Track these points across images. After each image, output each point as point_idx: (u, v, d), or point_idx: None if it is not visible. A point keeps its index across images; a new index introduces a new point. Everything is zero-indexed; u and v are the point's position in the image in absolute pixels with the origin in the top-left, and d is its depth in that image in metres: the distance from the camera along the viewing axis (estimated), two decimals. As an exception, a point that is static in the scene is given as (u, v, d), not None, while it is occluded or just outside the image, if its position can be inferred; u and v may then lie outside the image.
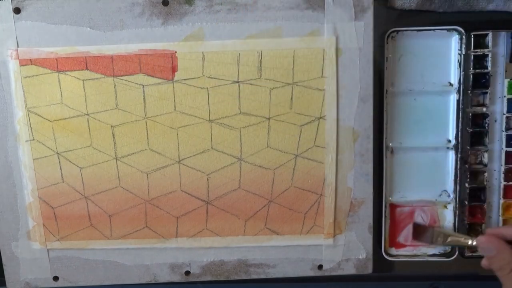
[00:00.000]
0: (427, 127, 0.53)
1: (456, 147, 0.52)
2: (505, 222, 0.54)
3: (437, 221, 0.55)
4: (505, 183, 0.53)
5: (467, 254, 0.54)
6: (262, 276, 0.55)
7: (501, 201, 0.53)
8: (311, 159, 0.52)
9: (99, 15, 0.48)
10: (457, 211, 0.53)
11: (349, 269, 0.55)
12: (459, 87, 0.51)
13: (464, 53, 0.51)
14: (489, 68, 0.51)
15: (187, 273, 0.55)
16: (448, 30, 0.51)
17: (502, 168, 0.53)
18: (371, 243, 0.54)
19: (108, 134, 0.51)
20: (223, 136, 0.51)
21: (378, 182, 0.53)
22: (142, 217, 0.53)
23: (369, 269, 0.55)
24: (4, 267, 0.55)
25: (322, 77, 0.50)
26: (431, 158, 0.53)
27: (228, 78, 0.50)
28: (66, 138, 0.51)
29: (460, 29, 0.50)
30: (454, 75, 0.52)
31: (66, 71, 0.49)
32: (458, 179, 0.53)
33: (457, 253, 0.54)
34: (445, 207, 0.54)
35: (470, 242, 0.48)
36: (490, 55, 0.50)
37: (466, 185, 0.53)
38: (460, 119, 0.52)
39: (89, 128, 0.51)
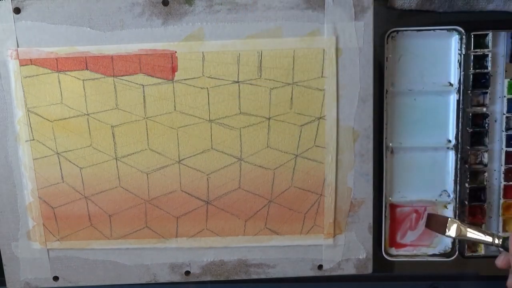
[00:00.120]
0: (427, 127, 0.53)
1: (456, 147, 0.52)
2: (505, 222, 0.54)
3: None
4: (505, 183, 0.53)
5: (467, 254, 0.54)
6: (262, 276, 0.55)
7: (501, 201, 0.53)
8: (311, 159, 0.52)
9: (99, 15, 0.48)
10: (457, 211, 0.53)
11: (349, 269, 0.55)
12: (459, 87, 0.51)
13: (464, 53, 0.51)
14: (489, 68, 0.51)
15: (187, 273, 0.55)
16: (448, 30, 0.51)
17: (502, 168, 0.53)
18: (371, 243, 0.54)
19: (108, 134, 0.51)
20: (223, 136, 0.51)
21: (378, 182, 0.53)
22: (142, 217, 0.53)
23: (369, 269, 0.55)
24: (4, 267, 0.55)
25: (322, 77, 0.50)
26: (431, 158, 0.53)
27: (228, 78, 0.50)
28: (66, 138, 0.51)
29: (460, 29, 0.50)
30: (454, 75, 0.52)
31: (66, 71, 0.49)
32: (458, 179, 0.53)
33: (457, 253, 0.54)
34: (445, 207, 0.54)
35: (495, 240, 0.45)
36: (490, 55, 0.50)
37: (466, 185, 0.53)
38: (460, 119, 0.52)
39: (89, 128, 0.51)
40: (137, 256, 0.54)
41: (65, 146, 0.51)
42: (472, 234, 0.47)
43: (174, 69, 0.49)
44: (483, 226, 0.53)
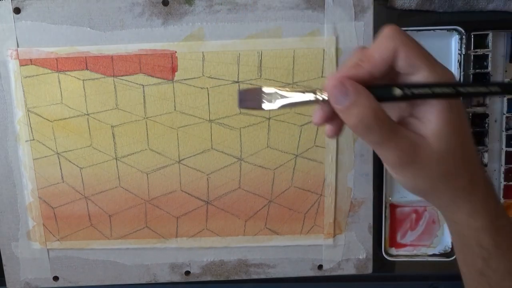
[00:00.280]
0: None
1: (456, 147, 0.52)
2: (505, 222, 0.54)
3: (437, 222, 0.55)
4: (505, 183, 0.53)
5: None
6: (262, 276, 0.55)
7: (501, 201, 0.53)
8: (311, 159, 0.52)
9: (99, 15, 0.48)
10: (457, 211, 0.53)
11: (349, 269, 0.55)
12: (459, 87, 0.51)
13: (464, 53, 0.51)
14: (489, 68, 0.51)
15: (187, 273, 0.55)
16: (448, 30, 0.51)
17: (502, 168, 0.53)
18: (371, 243, 0.54)
19: (108, 134, 0.51)
20: (223, 136, 0.51)
21: (378, 182, 0.53)
22: (142, 217, 0.53)
23: (369, 269, 0.55)
24: (4, 267, 0.54)
25: (322, 77, 0.50)
26: (431, 158, 0.53)
27: (228, 78, 0.50)
28: (66, 138, 0.51)
29: (460, 29, 0.50)
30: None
31: (66, 71, 0.49)
32: (458, 179, 0.53)
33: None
34: (445, 207, 0.54)
35: (315, 95, 0.34)
36: (490, 55, 0.50)
37: None
38: (460, 119, 0.52)
39: (89, 128, 0.51)
40: (137, 256, 0.54)
41: (65, 146, 0.51)
42: (291, 96, 0.35)
43: (174, 69, 0.49)
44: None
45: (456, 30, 0.51)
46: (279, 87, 0.36)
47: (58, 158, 0.51)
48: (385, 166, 0.34)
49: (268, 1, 0.48)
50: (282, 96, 0.36)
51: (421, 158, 0.33)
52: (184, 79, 0.50)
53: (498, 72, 0.52)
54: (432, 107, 0.33)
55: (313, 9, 0.48)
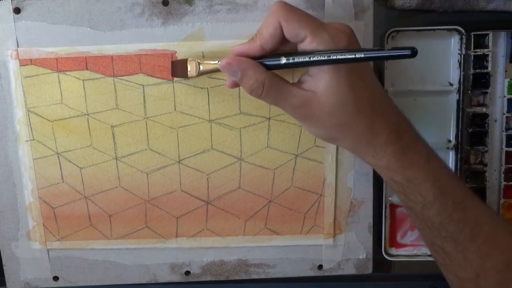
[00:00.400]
0: (427, 127, 0.53)
1: (456, 147, 0.52)
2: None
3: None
4: (505, 183, 0.53)
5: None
6: (262, 276, 0.55)
7: (501, 201, 0.53)
8: (311, 159, 0.52)
9: (99, 15, 0.48)
10: (457, 211, 0.53)
11: (349, 269, 0.55)
12: (459, 87, 0.51)
13: (464, 53, 0.51)
14: (489, 68, 0.51)
15: (187, 273, 0.55)
16: (448, 30, 0.51)
17: (502, 168, 0.53)
18: (371, 243, 0.54)
19: (108, 134, 0.51)
20: (223, 136, 0.51)
21: (378, 182, 0.53)
22: (142, 217, 0.53)
23: (369, 269, 0.55)
24: (4, 267, 0.55)
25: (322, 77, 0.50)
26: (431, 158, 0.53)
27: (228, 78, 0.50)
28: (66, 138, 0.51)
29: (460, 29, 0.50)
30: (454, 75, 0.52)
31: (66, 71, 0.49)
32: (458, 179, 0.53)
33: (457, 253, 0.54)
34: (445, 207, 0.54)
35: (217, 65, 0.43)
36: (490, 55, 0.50)
37: (466, 185, 0.53)
38: (460, 119, 0.52)
39: (89, 128, 0.51)
40: (137, 256, 0.54)
41: (65, 146, 0.51)
42: (207, 66, 0.45)
43: (174, 69, 0.49)
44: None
45: (456, 30, 0.51)
46: (201, 58, 0.46)
47: (58, 158, 0.51)
48: None
49: (268, 1, 0.48)
50: (201, 66, 0.45)
51: (313, 112, 0.39)
52: (184, 79, 0.50)
53: (498, 72, 0.52)
54: (323, 67, 0.38)
55: (313, 9, 0.48)
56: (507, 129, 0.52)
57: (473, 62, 0.51)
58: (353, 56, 0.36)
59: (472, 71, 0.51)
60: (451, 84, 0.52)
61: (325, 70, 0.38)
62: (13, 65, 0.49)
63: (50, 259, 0.54)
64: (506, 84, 0.52)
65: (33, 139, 0.51)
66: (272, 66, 0.40)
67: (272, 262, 0.55)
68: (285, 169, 0.52)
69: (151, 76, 0.50)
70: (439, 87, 0.52)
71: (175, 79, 0.50)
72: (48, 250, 0.54)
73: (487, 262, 0.41)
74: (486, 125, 0.52)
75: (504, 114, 0.52)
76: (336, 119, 0.39)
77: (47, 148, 0.51)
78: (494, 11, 0.51)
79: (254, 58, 0.40)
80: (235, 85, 0.43)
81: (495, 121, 0.53)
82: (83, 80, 0.50)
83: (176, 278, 0.55)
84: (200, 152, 0.51)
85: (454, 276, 0.43)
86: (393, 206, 0.54)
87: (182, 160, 0.52)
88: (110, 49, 0.49)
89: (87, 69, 0.49)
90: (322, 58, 0.37)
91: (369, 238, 0.54)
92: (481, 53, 0.51)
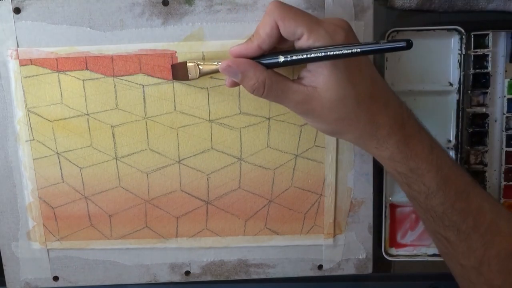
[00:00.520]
0: (427, 127, 0.53)
1: (456, 147, 0.52)
2: (505, 222, 0.54)
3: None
4: (505, 183, 0.53)
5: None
6: (262, 276, 0.55)
7: (501, 201, 0.53)
8: (311, 159, 0.52)
9: (99, 15, 0.48)
10: (457, 211, 0.53)
11: (349, 269, 0.55)
12: (459, 87, 0.51)
13: (464, 53, 0.51)
14: (489, 68, 0.51)
15: (187, 273, 0.55)
16: (448, 30, 0.51)
17: (502, 168, 0.53)
18: (371, 243, 0.54)
19: (108, 134, 0.51)
20: (223, 136, 0.51)
21: (378, 182, 0.53)
22: (142, 217, 0.53)
23: (369, 269, 0.55)
24: (4, 267, 0.55)
25: (322, 77, 0.50)
26: (431, 158, 0.53)
27: (228, 78, 0.50)
28: (66, 138, 0.51)
29: (460, 29, 0.50)
30: (454, 75, 0.52)
31: (66, 71, 0.49)
32: (458, 179, 0.53)
33: (457, 253, 0.54)
34: (445, 207, 0.54)
35: (217, 67, 0.43)
36: (490, 55, 0.50)
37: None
38: (460, 119, 0.52)
39: (89, 128, 0.51)
40: (137, 256, 0.54)
41: (65, 146, 0.51)
42: (207, 67, 0.46)
43: (174, 69, 0.49)
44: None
45: (456, 30, 0.51)
46: (201, 60, 0.47)
47: (58, 158, 0.51)
48: None
49: (268, 1, 0.48)
50: (201, 67, 0.46)
51: (314, 107, 0.40)
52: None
53: (498, 72, 0.52)
54: (321, 62, 0.38)
55: (313, 9, 0.48)
56: (507, 129, 0.52)
57: (473, 62, 0.51)
58: (350, 51, 0.36)
59: (472, 71, 0.51)
60: (451, 84, 0.52)
61: (323, 65, 0.38)
62: (13, 65, 0.49)
63: (50, 259, 0.54)
64: (506, 84, 0.52)
65: (33, 139, 0.51)
66: (270, 65, 0.40)
67: (272, 262, 0.55)
68: (285, 169, 0.52)
69: (151, 76, 0.50)
70: (439, 87, 0.52)
71: (175, 79, 0.50)
72: (48, 250, 0.54)
73: (490, 250, 0.41)
74: (486, 125, 0.52)
75: (504, 114, 0.52)
76: (337, 113, 0.40)
77: (47, 148, 0.51)
78: (494, 11, 0.51)
79: (253, 58, 0.40)
80: (235, 84, 0.43)
81: (495, 121, 0.53)
82: (83, 80, 0.50)
83: (176, 278, 0.55)
84: (200, 152, 0.51)
85: (457, 265, 0.43)
86: (393, 206, 0.54)
87: (182, 160, 0.52)
88: (110, 49, 0.49)
89: (87, 69, 0.49)
90: (319, 54, 0.37)
91: (369, 238, 0.54)
92: (481, 53, 0.51)
